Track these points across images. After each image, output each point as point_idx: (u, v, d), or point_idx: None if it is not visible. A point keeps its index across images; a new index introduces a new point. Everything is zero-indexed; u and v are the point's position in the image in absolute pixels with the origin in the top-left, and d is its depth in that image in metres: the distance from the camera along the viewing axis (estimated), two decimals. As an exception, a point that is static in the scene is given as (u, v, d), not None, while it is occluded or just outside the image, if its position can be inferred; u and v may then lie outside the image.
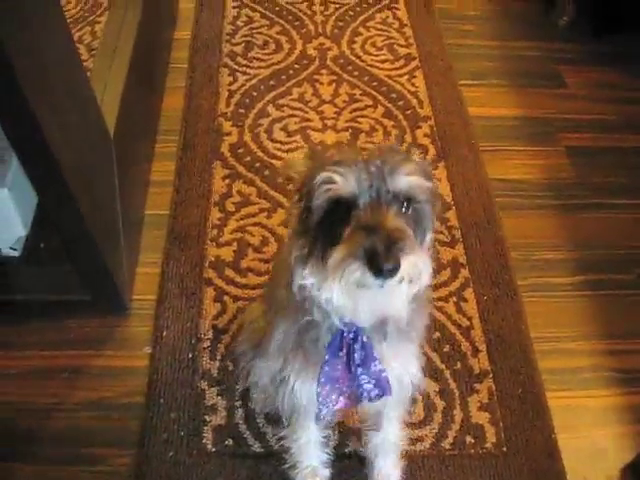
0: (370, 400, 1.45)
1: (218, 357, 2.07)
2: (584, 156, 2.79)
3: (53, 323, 2.17)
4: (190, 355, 2.08)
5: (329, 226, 1.17)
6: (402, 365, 1.47)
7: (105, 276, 2.06)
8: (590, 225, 2.56)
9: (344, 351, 1.35)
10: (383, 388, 1.42)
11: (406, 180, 1.15)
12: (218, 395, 2.00)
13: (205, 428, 1.94)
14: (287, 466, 1.84)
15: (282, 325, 1.43)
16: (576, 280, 2.39)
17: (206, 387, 2.01)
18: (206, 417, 1.96)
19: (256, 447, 1.91)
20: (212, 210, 2.45)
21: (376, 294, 1.13)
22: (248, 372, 1.87)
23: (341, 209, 1.14)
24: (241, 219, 2.43)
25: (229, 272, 2.27)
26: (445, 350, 2.13)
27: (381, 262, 1.06)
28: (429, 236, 1.27)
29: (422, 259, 1.13)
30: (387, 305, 1.20)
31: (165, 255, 2.32)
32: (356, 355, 1.36)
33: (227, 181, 2.54)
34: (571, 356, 2.19)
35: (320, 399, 1.43)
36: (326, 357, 1.36)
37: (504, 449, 1.96)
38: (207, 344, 2.10)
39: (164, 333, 2.12)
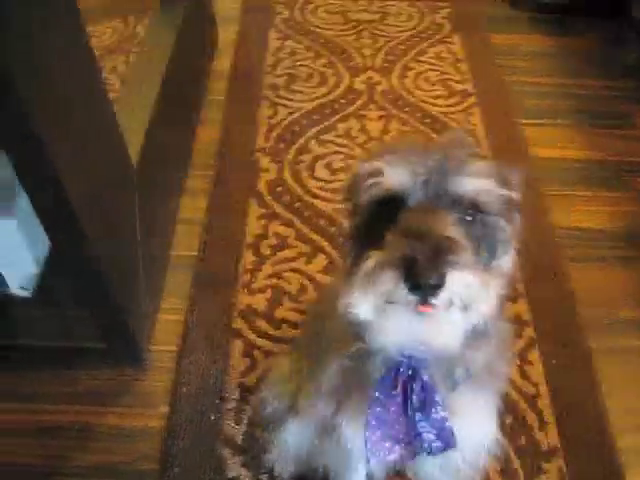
0: (430, 453, 1.16)
1: (244, 421, 1.81)
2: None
3: (61, 373, 1.93)
4: (212, 417, 1.81)
5: (373, 229, 0.98)
6: (473, 420, 1.20)
7: (121, 323, 1.83)
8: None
9: (398, 390, 1.10)
10: (447, 440, 1.14)
11: (473, 182, 0.95)
12: (242, 466, 1.73)
13: (226, 505, 1.67)
14: None
15: (335, 361, 1.19)
16: (657, 343, 2.08)
17: (229, 455, 1.74)
18: (228, 492, 1.68)
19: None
20: (245, 253, 2.20)
21: (414, 317, 0.90)
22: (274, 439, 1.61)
23: (388, 208, 0.96)
24: (277, 264, 2.18)
25: (261, 323, 2.02)
26: (507, 422, 1.83)
27: (419, 272, 0.85)
28: (504, 259, 1.02)
29: (479, 279, 0.90)
30: (430, 335, 0.94)
31: (190, 301, 2.08)
32: (414, 397, 1.10)
33: (263, 221, 2.30)
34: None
35: (369, 446, 1.16)
36: (376, 394, 1.11)
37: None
38: (232, 405, 1.84)
39: (184, 390, 1.87)
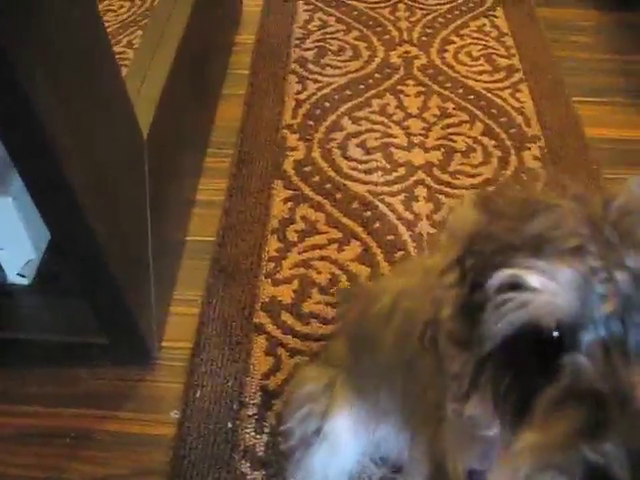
0: None
1: (267, 430, 1.56)
2: None
3: (58, 372, 1.71)
4: (230, 425, 1.58)
5: (509, 367, 0.65)
6: None
7: (126, 316, 1.60)
8: None
9: None
10: None
11: None
12: (265, 481, 1.49)
13: (244, 528, 1.43)
14: None
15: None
16: None
17: (248, 470, 1.51)
18: (246, 512, 1.45)
19: None
20: (269, 239, 1.96)
21: None
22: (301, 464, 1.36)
23: (538, 342, 0.62)
24: (305, 251, 1.94)
25: (286, 317, 1.77)
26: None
27: None
28: None
29: None
30: None
31: (207, 292, 1.84)
32: None
33: (289, 204, 2.06)
34: None
35: None
36: None
37: None
38: (253, 411, 1.60)
39: (198, 393, 1.63)
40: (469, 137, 2.31)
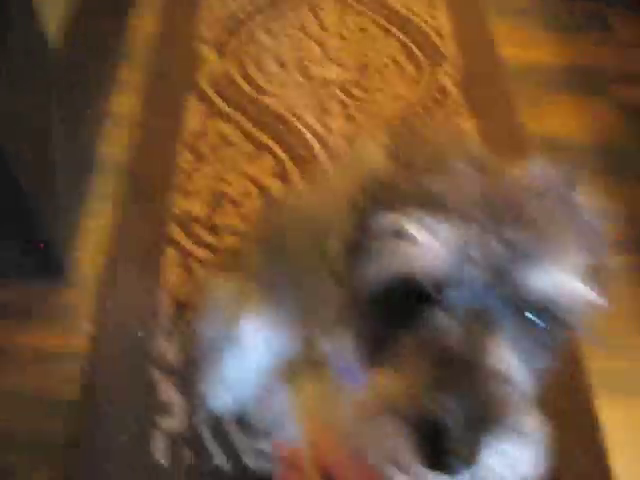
0: None
1: (178, 339, 1.59)
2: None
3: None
4: (142, 334, 1.59)
5: (379, 307, 0.68)
6: None
7: (35, 228, 1.58)
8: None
9: None
10: None
11: (554, 280, 0.63)
12: (175, 390, 1.52)
13: (156, 433, 1.46)
14: None
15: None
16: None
17: (160, 377, 1.54)
18: (158, 418, 1.48)
19: (223, 464, 1.43)
20: (182, 152, 1.95)
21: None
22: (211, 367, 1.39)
23: (410, 291, 0.65)
24: (217, 163, 1.93)
25: (198, 230, 1.78)
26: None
27: (446, 453, 0.58)
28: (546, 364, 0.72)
29: (523, 440, 0.62)
30: None
31: (118, 205, 1.83)
32: None
33: (203, 117, 2.05)
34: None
35: None
36: None
37: None
38: (165, 320, 1.62)
39: (110, 305, 1.64)
40: (384, 53, 2.31)
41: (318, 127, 2.02)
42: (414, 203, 0.64)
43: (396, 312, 0.66)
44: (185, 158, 1.93)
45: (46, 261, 1.67)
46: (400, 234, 0.62)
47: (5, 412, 1.50)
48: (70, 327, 1.62)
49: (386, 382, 0.63)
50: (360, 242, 0.68)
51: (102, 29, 2.12)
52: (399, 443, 0.61)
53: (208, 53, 2.24)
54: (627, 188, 2.06)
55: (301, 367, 0.99)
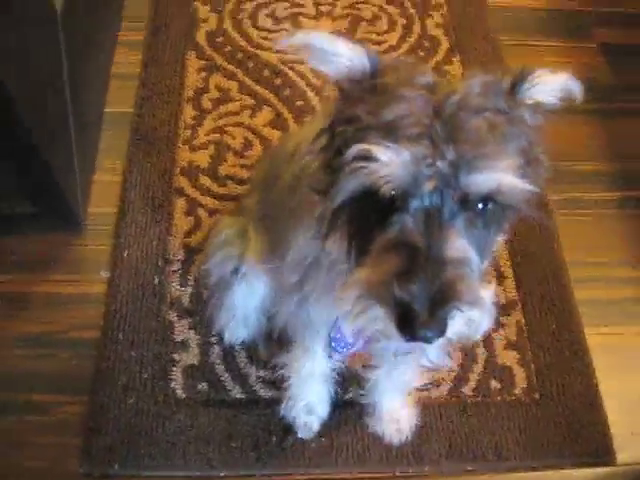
0: (397, 355, 1.08)
1: (190, 282, 1.72)
2: (621, 55, 2.39)
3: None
4: (156, 280, 1.72)
5: (359, 215, 0.84)
6: None
7: (52, 184, 1.68)
8: (631, 133, 2.17)
9: None
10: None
11: (491, 179, 0.77)
12: (190, 329, 1.66)
13: (174, 369, 1.60)
14: (279, 405, 1.53)
15: (302, 234, 1.08)
16: (617, 196, 2.03)
17: (175, 319, 1.67)
18: (175, 356, 1.62)
19: (236, 392, 1.58)
20: (185, 107, 2.05)
21: (402, 345, 0.84)
22: (221, 304, 1.52)
23: (379, 202, 0.80)
24: (219, 118, 2.04)
25: (204, 180, 1.90)
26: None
27: (417, 327, 0.73)
28: (496, 243, 0.90)
29: (482, 309, 0.79)
30: (416, 357, 0.94)
31: (128, 160, 1.94)
32: None
33: (203, 74, 2.14)
34: (613, 286, 1.85)
35: (334, 344, 1.14)
36: None
37: (536, 396, 1.65)
38: (177, 266, 1.75)
39: (125, 253, 1.76)
40: (375, 5, 2.39)
41: (314, 79, 2.12)
42: (377, 131, 0.77)
43: (370, 219, 0.81)
44: (188, 113, 2.03)
45: (64, 216, 1.78)
46: (367, 157, 0.76)
47: (33, 354, 1.62)
48: (89, 275, 1.74)
49: (364, 274, 0.78)
50: (336, 163, 0.82)
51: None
52: (380, 322, 0.76)
53: (205, 12, 2.32)
54: (611, 123, 2.18)
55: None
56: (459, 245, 0.77)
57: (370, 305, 0.76)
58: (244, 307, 1.49)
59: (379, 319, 0.76)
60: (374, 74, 0.83)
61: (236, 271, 1.43)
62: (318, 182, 0.88)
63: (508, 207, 0.83)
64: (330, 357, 1.19)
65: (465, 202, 0.78)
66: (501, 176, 0.77)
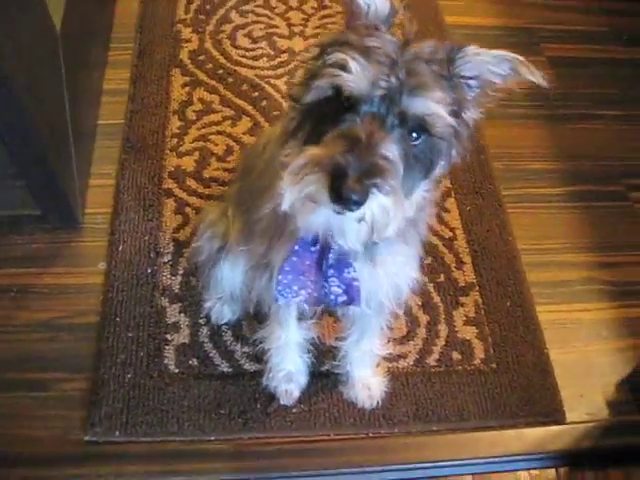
0: (335, 305, 1.33)
1: (180, 272, 1.90)
2: (568, 67, 2.63)
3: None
4: (149, 270, 1.90)
5: (320, 115, 1.04)
6: (398, 269, 1.32)
7: (55, 188, 1.88)
8: (576, 136, 2.41)
9: (317, 247, 1.22)
10: (352, 297, 1.28)
11: (425, 105, 0.98)
12: (180, 312, 1.83)
13: (167, 348, 1.77)
14: (262, 377, 1.71)
15: (266, 206, 1.26)
16: (563, 191, 2.25)
17: (167, 304, 1.84)
18: (167, 336, 1.79)
19: (223, 367, 1.75)
20: (171, 118, 2.24)
21: (329, 216, 1.01)
22: (210, 279, 1.71)
23: (340, 102, 1.00)
24: (203, 127, 2.23)
25: (191, 182, 2.08)
26: (427, 262, 1.96)
27: (345, 188, 0.92)
28: (429, 179, 1.11)
29: (396, 207, 0.97)
30: (337, 234, 1.06)
31: (120, 166, 2.12)
32: (330, 255, 1.22)
33: (187, 89, 2.34)
34: (560, 268, 2.06)
35: (279, 287, 1.29)
36: (296, 247, 1.23)
37: (493, 365, 1.83)
38: (168, 258, 1.92)
39: (120, 248, 1.94)
40: (343, 25, 2.58)
41: (287, 90, 2.33)
42: (355, 50, 0.98)
43: (329, 115, 1.00)
44: (175, 124, 2.22)
45: (65, 217, 1.96)
46: (342, 66, 0.97)
47: (40, 338, 1.79)
48: (88, 267, 1.91)
49: (313, 150, 0.98)
50: (316, 68, 1.04)
51: (93, 16, 2.39)
52: (317, 186, 0.95)
53: (187, 33, 2.51)
54: (558, 126, 2.40)
55: None
56: (391, 149, 0.97)
57: (312, 170, 0.95)
58: (230, 281, 1.66)
59: (316, 182, 0.95)
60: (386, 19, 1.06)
61: (220, 249, 1.62)
62: (297, 91, 1.09)
63: (438, 141, 1.03)
64: (276, 301, 1.34)
65: (403, 120, 0.98)
66: (433, 105, 0.98)
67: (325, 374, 1.77)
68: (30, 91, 1.66)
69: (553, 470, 1.74)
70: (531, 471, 1.73)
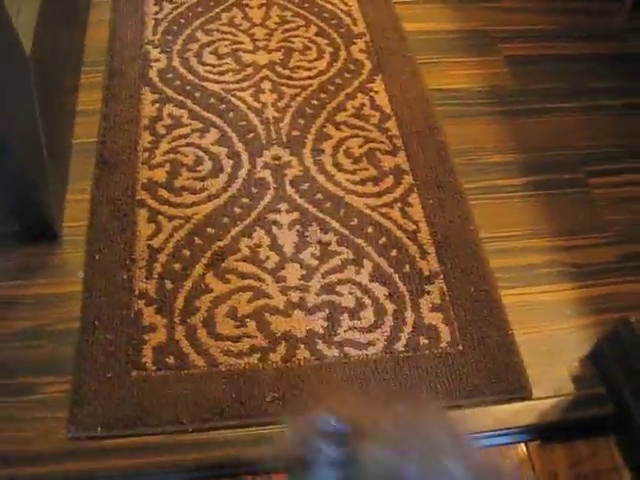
0: None
1: (155, 276, 1.97)
2: (523, 65, 2.74)
3: (-20, 257, 2.05)
4: (125, 276, 1.97)
5: None
6: None
7: (33, 207, 1.97)
8: (533, 129, 2.50)
9: None
10: None
11: None
12: (157, 313, 1.90)
13: (145, 347, 1.84)
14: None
15: None
16: (523, 181, 2.33)
17: (143, 306, 1.91)
18: (145, 336, 1.86)
19: (200, 363, 1.82)
20: (142, 134, 2.33)
21: None
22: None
23: None
24: (173, 140, 2.32)
25: (163, 192, 2.17)
26: (392, 254, 2.05)
27: None
28: None
29: None
30: None
31: (95, 180, 2.20)
32: None
33: (157, 105, 2.43)
34: (522, 254, 2.14)
35: None
36: None
37: (460, 347, 1.90)
38: (143, 264, 2.00)
39: (97, 257, 2.01)
40: (305, 38, 2.71)
41: (253, 102, 2.43)
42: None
43: None
44: (146, 138, 2.31)
45: (44, 230, 2.04)
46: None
47: (23, 346, 1.86)
48: (67, 277, 1.98)
49: None
50: None
51: (63, 41, 2.48)
52: None
53: (156, 53, 2.61)
54: (515, 121, 2.52)
55: None
56: None
57: None
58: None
59: None
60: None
61: None
62: None
63: None
64: None
65: None
66: None
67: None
68: (1, 116, 1.75)
69: (523, 445, 1.81)
70: (502, 447, 1.80)
